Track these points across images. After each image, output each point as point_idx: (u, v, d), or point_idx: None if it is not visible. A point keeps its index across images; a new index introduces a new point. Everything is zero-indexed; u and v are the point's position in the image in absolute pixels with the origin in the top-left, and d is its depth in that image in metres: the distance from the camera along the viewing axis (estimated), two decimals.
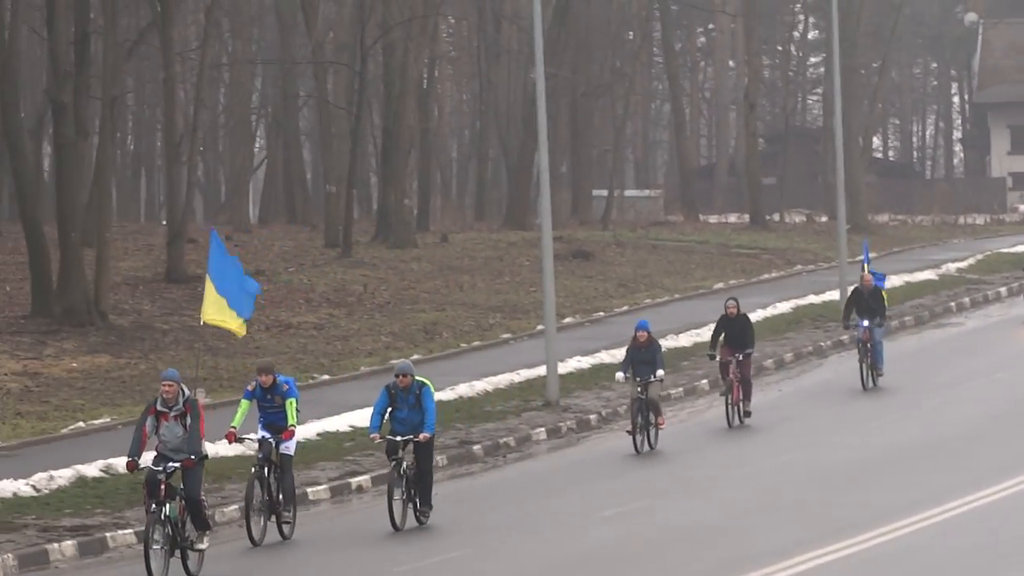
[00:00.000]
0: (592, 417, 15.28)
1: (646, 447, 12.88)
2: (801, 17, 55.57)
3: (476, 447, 13.45)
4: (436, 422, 9.53)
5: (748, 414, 14.52)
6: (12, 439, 13.45)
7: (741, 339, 14.48)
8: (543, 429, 14.49)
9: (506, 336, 21.25)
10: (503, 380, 16.87)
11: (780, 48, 56.60)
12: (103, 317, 19.49)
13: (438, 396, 10.66)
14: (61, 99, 20.64)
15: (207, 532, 7.95)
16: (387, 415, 9.34)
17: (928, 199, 48.19)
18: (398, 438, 9.19)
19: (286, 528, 9.12)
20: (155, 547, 7.26)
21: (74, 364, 17.46)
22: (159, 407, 7.67)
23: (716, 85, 57.91)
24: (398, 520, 9.02)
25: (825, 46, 41.38)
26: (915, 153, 69.81)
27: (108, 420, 14.42)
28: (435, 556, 8.31)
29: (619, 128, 45.15)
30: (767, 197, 43.08)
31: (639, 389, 12.78)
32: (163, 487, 7.41)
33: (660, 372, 13.02)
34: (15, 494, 10.51)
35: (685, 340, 19.41)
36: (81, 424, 14.29)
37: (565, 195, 41.99)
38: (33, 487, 10.81)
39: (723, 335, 14.59)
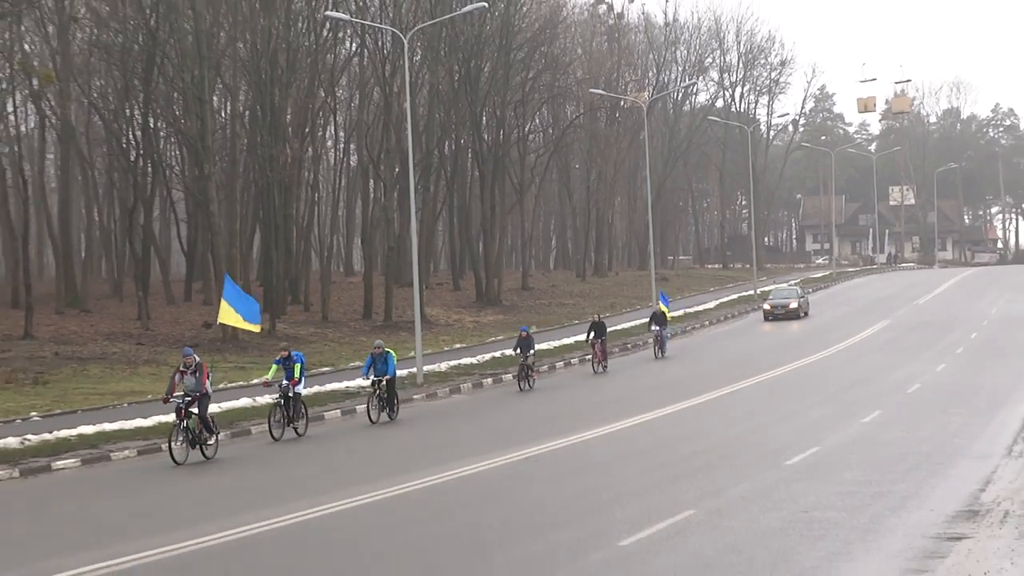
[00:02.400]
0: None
1: (526, 387, 23.74)
2: None
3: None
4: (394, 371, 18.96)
5: (605, 368, 26.90)
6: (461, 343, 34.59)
7: (601, 332, 26.75)
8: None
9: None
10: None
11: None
12: (499, 302, 46.36)
13: None
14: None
15: (213, 435, 14.83)
16: (372, 367, 18.60)
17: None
18: (378, 378, 18.63)
19: (299, 429, 16.99)
20: (177, 443, 14.25)
21: (490, 317, 42.70)
22: (182, 368, 14.49)
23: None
24: (374, 418, 18.61)
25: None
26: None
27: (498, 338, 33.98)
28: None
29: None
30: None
31: (522, 360, 23.65)
32: (183, 411, 14.18)
33: (533, 351, 24.24)
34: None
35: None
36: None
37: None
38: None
39: (592, 332, 26.71)
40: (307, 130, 41.96)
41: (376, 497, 11.97)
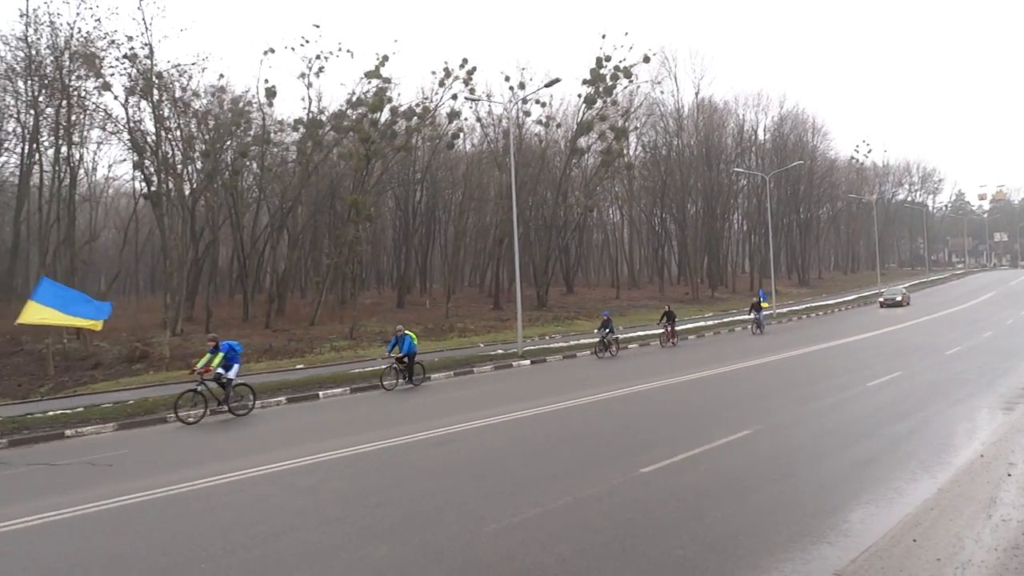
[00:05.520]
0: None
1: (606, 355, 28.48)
2: None
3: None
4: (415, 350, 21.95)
5: (674, 343, 32.27)
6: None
7: (672, 319, 32.91)
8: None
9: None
10: None
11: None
12: (545, 305, 53.42)
13: None
14: None
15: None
16: (395, 346, 21.77)
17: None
18: (401, 355, 21.69)
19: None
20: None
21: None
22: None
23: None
24: (388, 386, 21.17)
25: None
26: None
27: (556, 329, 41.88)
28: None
29: None
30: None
31: (601, 336, 28.88)
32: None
33: (608, 330, 29.03)
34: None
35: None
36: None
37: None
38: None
39: (664, 318, 32.91)
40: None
41: (556, 407, 16.53)
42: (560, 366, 26.30)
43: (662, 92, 72.87)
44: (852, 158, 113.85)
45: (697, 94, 78.24)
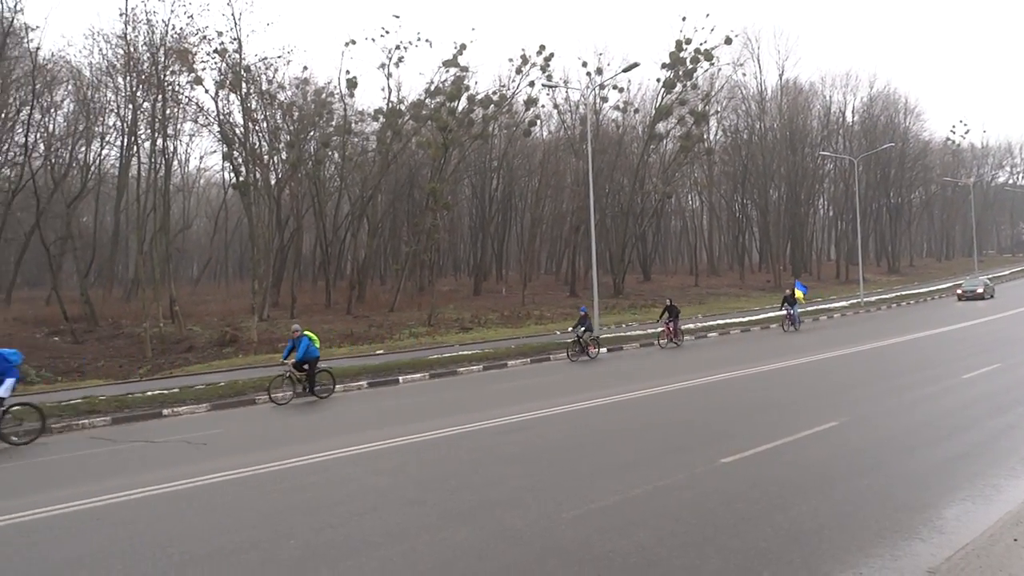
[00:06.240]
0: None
1: (584, 357, 25.03)
2: None
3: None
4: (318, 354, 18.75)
5: (677, 344, 28.12)
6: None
7: (675, 315, 28.49)
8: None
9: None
10: None
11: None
12: (621, 292, 53.86)
13: None
14: None
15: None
16: (291, 351, 18.47)
17: None
18: (297, 361, 18.28)
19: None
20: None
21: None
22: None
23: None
24: (279, 398, 17.93)
25: None
26: None
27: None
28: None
29: None
30: None
31: (576, 336, 25.14)
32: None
33: (585, 328, 25.24)
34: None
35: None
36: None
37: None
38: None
39: (666, 314, 28.59)
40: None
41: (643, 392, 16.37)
42: (636, 354, 26.07)
43: (744, 74, 71.12)
44: (947, 139, 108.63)
45: (781, 75, 76.20)
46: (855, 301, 48.77)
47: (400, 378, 20.79)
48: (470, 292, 59.12)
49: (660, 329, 28.70)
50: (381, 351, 28.48)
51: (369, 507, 8.81)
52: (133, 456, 12.68)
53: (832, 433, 11.84)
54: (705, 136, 65.20)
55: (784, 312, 33.61)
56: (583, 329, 25.14)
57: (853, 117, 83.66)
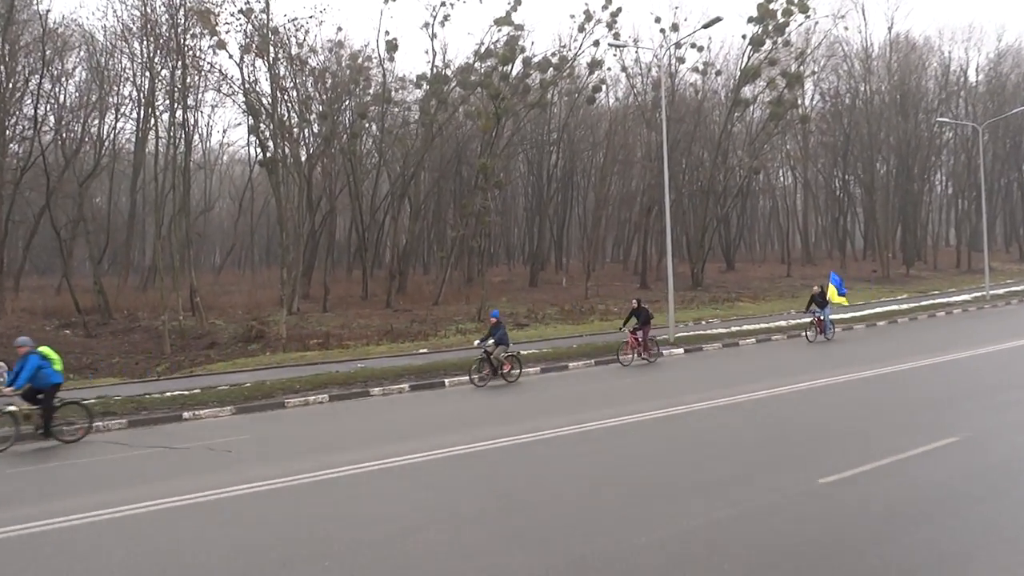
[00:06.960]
0: None
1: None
2: None
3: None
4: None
5: (649, 360, 24.49)
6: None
7: (646, 322, 24.61)
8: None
9: None
10: None
11: None
12: (700, 284, 51.60)
13: None
14: None
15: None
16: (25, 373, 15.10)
17: None
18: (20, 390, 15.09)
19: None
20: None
21: None
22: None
23: None
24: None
25: None
26: None
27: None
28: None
29: None
30: None
31: (483, 350, 21.46)
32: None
33: (491, 342, 21.36)
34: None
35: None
36: None
37: None
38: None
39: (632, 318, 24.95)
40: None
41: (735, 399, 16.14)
42: (718, 355, 25.74)
43: (846, 28, 69.49)
44: None
45: (890, 29, 74.02)
46: (979, 294, 47.24)
47: (446, 381, 20.93)
48: (525, 283, 59.25)
49: (624, 340, 24.65)
50: (425, 350, 28.72)
51: (414, 525, 8.87)
52: (150, 464, 13.03)
53: (951, 451, 11.49)
54: (799, 101, 63.90)
55: (810, 317, 29.66)
56: (491, 342, 21.28)
57: (977, 77, 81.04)
